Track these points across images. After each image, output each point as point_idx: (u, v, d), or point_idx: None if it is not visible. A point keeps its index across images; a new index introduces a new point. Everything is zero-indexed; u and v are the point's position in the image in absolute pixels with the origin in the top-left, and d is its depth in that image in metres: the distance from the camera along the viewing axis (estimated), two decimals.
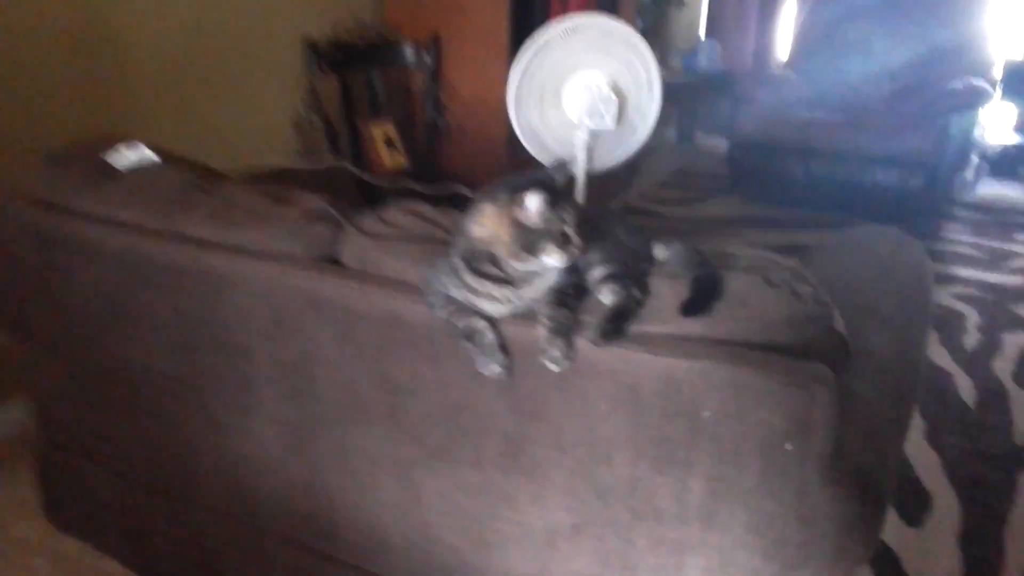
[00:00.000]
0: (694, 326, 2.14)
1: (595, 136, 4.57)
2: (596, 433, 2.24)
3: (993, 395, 5.06)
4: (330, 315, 2.56)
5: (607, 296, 2.25)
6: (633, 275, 2.29)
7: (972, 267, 6.90)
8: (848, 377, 2.29)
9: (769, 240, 7.12)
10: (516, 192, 2.13)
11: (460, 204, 2.43)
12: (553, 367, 2.18)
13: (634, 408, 2.15)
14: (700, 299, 2.16)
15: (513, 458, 2.40)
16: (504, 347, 2.29)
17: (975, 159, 9.04)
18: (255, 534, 3.05)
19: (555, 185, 2.24)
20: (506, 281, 2.22)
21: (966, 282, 6.50)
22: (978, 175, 9.45)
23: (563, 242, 2.16)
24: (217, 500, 3.20)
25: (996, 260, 7.07)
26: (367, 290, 2.49)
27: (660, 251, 2.54)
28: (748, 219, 7.84)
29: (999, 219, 8.15)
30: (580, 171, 4.94)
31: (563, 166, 2.30)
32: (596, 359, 2.16)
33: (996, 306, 6.12)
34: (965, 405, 4.85)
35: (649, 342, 2.13)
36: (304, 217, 2.73)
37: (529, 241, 2.13)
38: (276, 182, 4.06)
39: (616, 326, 2.14)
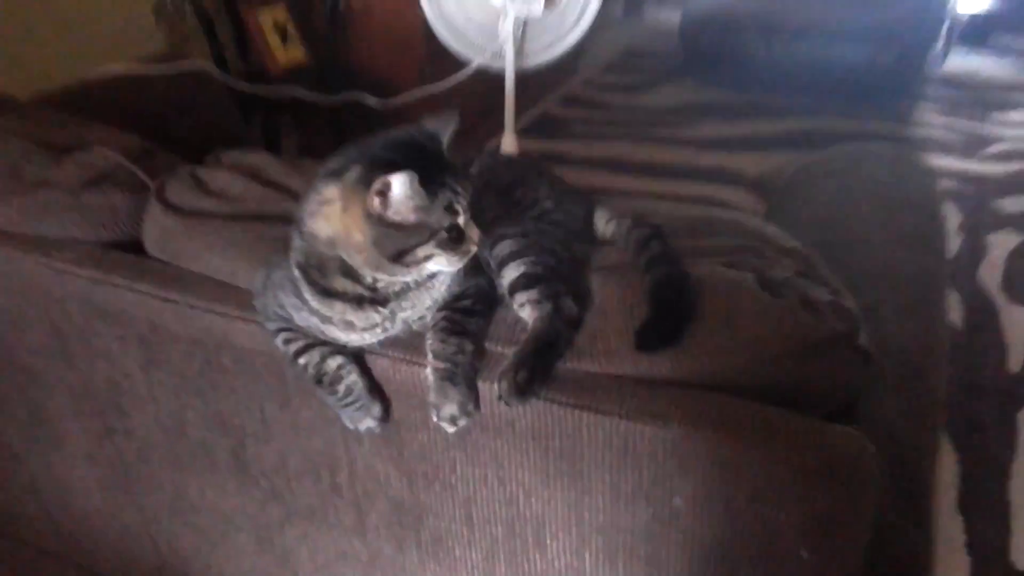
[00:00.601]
0: (658, 364, 1.40)
1: (525, 24, 3.66)
2: (519, 510, 1.53)
3: (982, 313, 4.43)
4: (132, 331, 1.76)
5: (525, 310, 1.49)
6: (564, 272, 1.53)
7: (948, 155, 6.28)
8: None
9: (728, 132, 6.33)
10: (371, 169, 1.32)
11: (356, 124, 1.57)
12: (448, 428, 1.44)
13: (572, 481, 1.45)
14: (665, 320, 1.42)
15: (409, 530, 1.70)
16: (378, 390, 1.53)
17: (945, 29, 8.24)
18: None
19: (436, 148, 1.42)
20: (369, 300, 1.44)
21: (943, 174, 5.80)
22: (948, 47, 8.67)
23: (452, 239, 1.37)
24: (48, 541, 2.48)
25: (973, 146, 6.45)
26: (174, 298, 1.68)
27: (604, 222, 1.76)
28: (704, 107, 6.99)
29: (973, 96, 7.44)
30: (508, 69, 4.05)
31: (452, 117, 1.47)
32: (513, 414, 1.42)
33: (977, 201, 5.44)
34: (953, 328, 4.23)
35: (590, 391, 1.39)
36: (86, 181, 1.87)
37: (397, 242, 1.34)
38: (108, 99, 3.11)
39: (535, 373, 1.39)
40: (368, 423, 1.53)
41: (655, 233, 1.62)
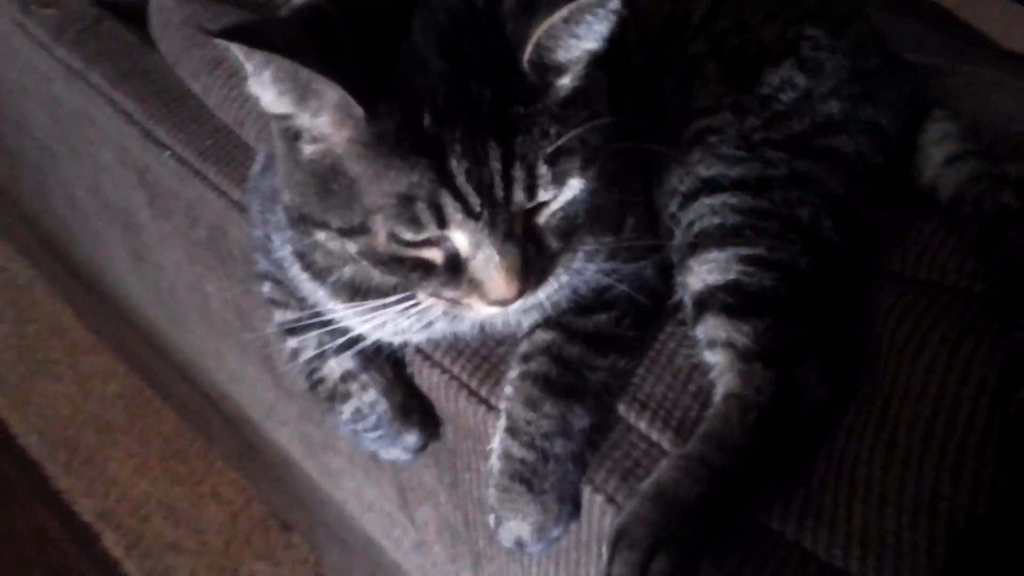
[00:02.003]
0: None
1: None
2: None
3: None
4: (127, 159, 1.16)
5: (716, 361, 0.73)
6: (818, 290, 0.72)
7: None
8: None
9: None
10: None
11: None
12: (508, 545, 0.76)
13: None
14: None
15: (465, 557, 1.11)
16: (417, 410, 0.86)
17: None
18: None
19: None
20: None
21: None
22: None
23: (417, 266, 0.64)
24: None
25: None
26: (160, 137, 1.03)
27: (938, 150, 0.86)
28: None
29: None
30: None
31: None
32: None
33: None
34: None
35: None
36: None
37: (301, 187, 0.65)
38: None
39: (689, 556, 0.65)
40: (396, 454, 0.88)
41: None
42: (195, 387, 1.91)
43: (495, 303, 0.63)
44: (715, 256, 0.74)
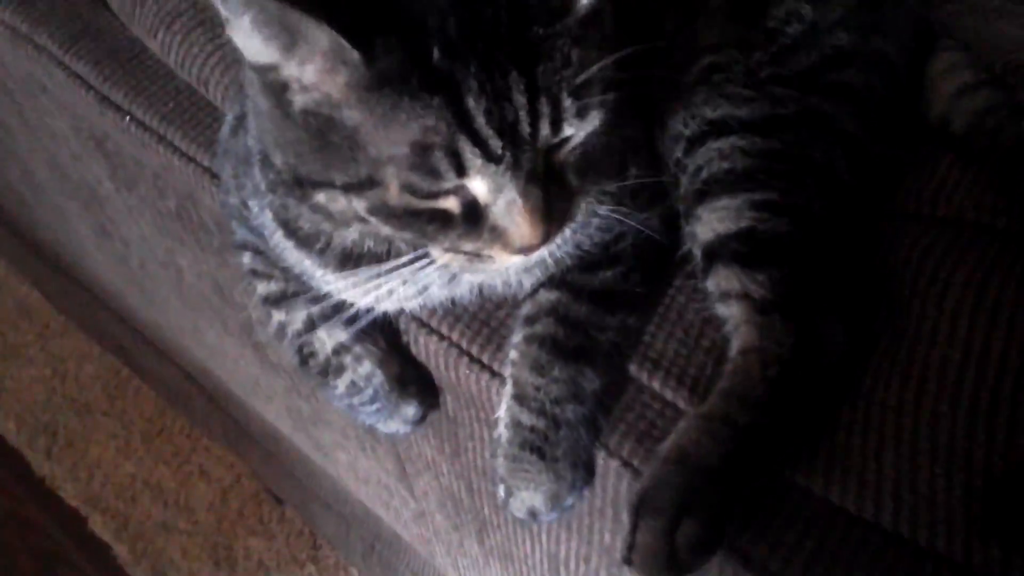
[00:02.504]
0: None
1: None
2: None
3: None
4: (84, 128, 1.09)
5: (731, 314, 0.70)
6: (834, 234, 0.69)
7: None
8: None
9: None
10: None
11: None
12: (521, 516, 0.73)
13: None
14: None
15: (469, 526, 1.08)
16: (415, 380, 0.81)
17: None
18: None
19: None
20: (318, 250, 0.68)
21: None
22: None
23: (436, 216, 0.58)
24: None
25: None
26: (118, 101, 0.96)
27: (947, 80, 0.82)
28: None
29: None
30: None
31: None
32: None
33: None
34: None
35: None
36: None
37: (297, 148, 0.59)
38: None
39: (715, 521, 0.62)
40: (394, 427, 0.83)
41: None
42: (174, 365, 1.86)
43: (520, 251, 0.58)
44: (725, 203, 0.69)
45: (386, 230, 0.60)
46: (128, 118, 0.96)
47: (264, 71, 0.56)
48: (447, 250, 0.60)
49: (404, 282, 0.66)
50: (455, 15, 0.52)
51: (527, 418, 0.68)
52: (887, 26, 0.80)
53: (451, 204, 0.57)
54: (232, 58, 0.88)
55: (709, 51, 0.74)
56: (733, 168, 0.70)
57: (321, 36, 0.51)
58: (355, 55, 0.51)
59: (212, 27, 0.90)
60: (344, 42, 0.50)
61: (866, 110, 0.76)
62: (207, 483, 2.05)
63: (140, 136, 0.95)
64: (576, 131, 0.57)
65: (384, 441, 1.05)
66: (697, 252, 0.72)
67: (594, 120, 0.58)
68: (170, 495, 2.03)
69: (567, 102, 0.55)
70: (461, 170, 0.54)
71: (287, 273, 0.76)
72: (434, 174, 0.53)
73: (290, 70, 0.54)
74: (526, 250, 0.58)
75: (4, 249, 2.36)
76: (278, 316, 0.79)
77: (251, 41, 0.52)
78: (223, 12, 0.51)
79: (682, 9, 0.77)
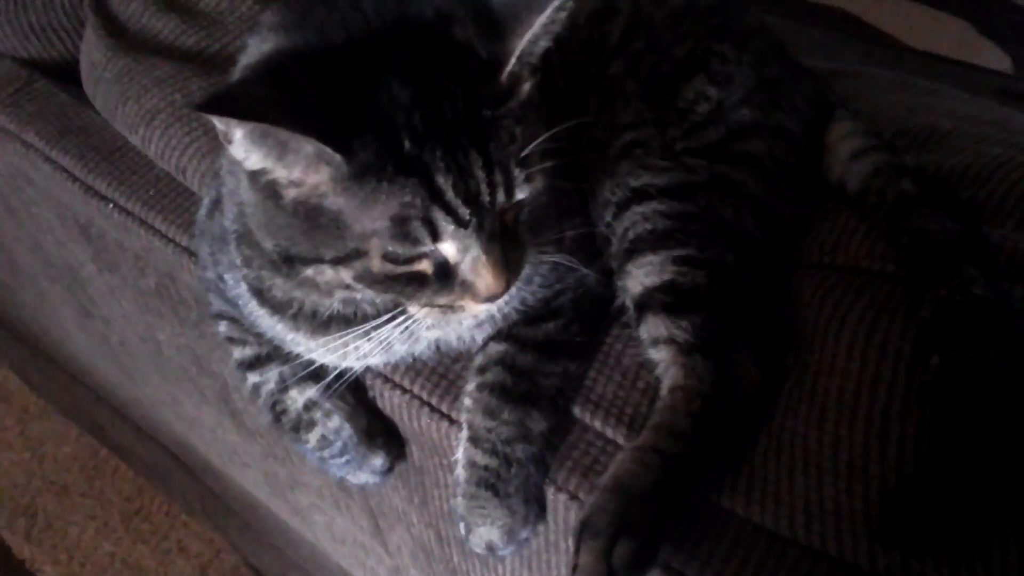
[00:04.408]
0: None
1: None
2: None
3: None
4: (68, 215, 1.17)
5: (661, 358, 0.79)
6: (748, 282, 0.78)
7: None
8: None
9: None
10: (255, 72, 0.64)
11: None
12: (480, 551, 0.80)
13: None
14: (958, 485, 0.66)
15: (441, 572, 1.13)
16: (382, 432, 0.89)
17: None
18: None
19: (447, 58, 0.64)
20: (296, 316, 0.78)
21: None
22: None
23: (411, 278, 0.68)
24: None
25: None
26: (101, 190, 1.06)
27: (844, 146, 0.93)
28: None
29: None
30: None
31: None
32: None
33: None
34: None
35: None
36: None
37: (287, 233, 0.68)
38: None
39: (649, 541, 0.70)
40: (364, 477, 0.90)
41: (936, 190, 0.80)
42: (153, 441, 1.90)
43: (487, 299, 0.67)
44: (650, 259, 0.79)
45: (368, 294, 0.69)
46: (111, 205, 1.04)
47: (259, 174, 0.65)
48: (423, 306, 0.69)
49: (371, 341, 0.74)
50: (419, 110, 0.61)
51: (481, 458, 0.76)
52: (785, 102, 0.92)
53: (425, 266, 0.66)
54: (206, 149, 0.98)
55: (629, 128, 0.85)
56: (654, 229, 0.79)
57: (306, 144, 0.60)
58: (336, 156, 0.60)
59: (188, 122, 1.00)
60: (326, 148, 0.59)
61: (770, 175, 0.87)
62: (186, 559, 2.07)
63: (123, 221, 1.04)
64: (526, 195, 0.67)
65: (357, 496, 1.11)
66: (630, 304, 0.81)
67: (537, 184, 0.68)
68: (150, 573, 2.04)
69: (516, 171, 0.65)
70: (436, 235, 0.63)
71: (260, 338, 0.84)
72: (412, 241, 0.63)
73: (281, 172, 0.64)
74: (492, 298, 0.68)
75: None
76: (252, 378, 0.87)
77: (247, 152, 0.62)
78: (221, 127, 0.61)
79: (602, 92, 0.88)
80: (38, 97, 1.16)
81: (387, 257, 0.63)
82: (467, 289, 0.66)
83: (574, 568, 0.69)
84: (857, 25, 2.91)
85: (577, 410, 0.80)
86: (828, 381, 0.73)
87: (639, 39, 0.90)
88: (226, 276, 0.83)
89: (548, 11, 0.62)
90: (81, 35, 1.16)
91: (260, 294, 0.77)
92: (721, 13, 0.97)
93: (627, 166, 0.83)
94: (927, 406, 0.69)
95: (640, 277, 0.79)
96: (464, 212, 0.62)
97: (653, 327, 0.78)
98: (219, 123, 0.59)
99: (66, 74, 1.20)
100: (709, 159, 0.84)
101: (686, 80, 0.87)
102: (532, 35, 0.63)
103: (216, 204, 0.87)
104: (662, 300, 0.77)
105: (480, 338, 0.81)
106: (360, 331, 0.71)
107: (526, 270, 0.76)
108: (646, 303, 0.79)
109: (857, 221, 0.87)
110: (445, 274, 0.66)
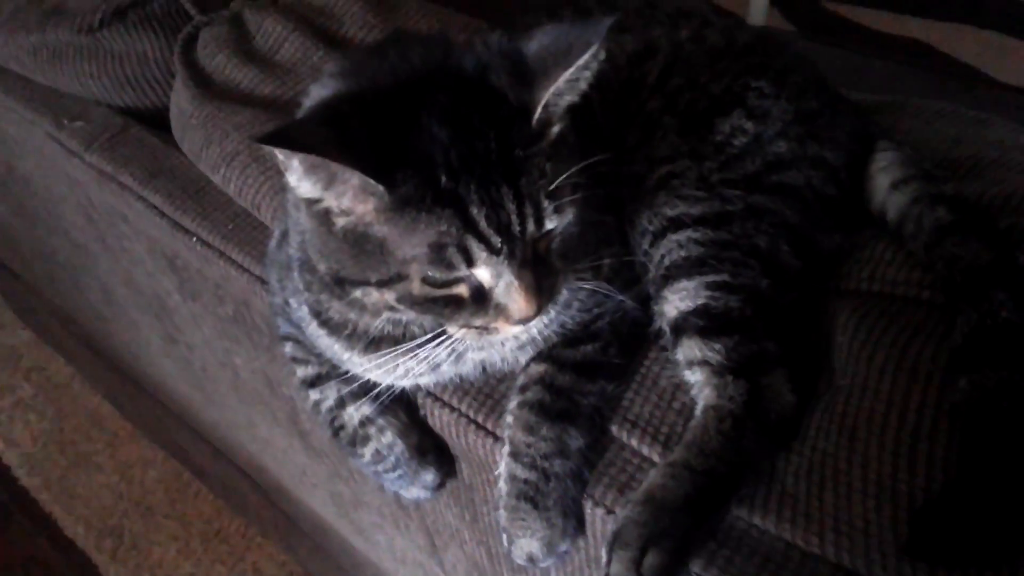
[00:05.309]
0: None
1: None
2: None
3: None
4: (157, 248, 1.28)
5: (696, 379, 0.82)
6: (782, 308, 0.81)
7: None
8: None
9: None
10: (318, 113, 0.72)
11: None
12: (521, 562, 0.84)
13: None
14: (985, 504, 0.67)
15: None
16: (434, 449, 0.95)
17: None
18: None
19: (480, 104, 0.71)
20: (350, 335, 0.85)
21: None
22: None
23: (449, 301, 0.74)
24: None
25: None
26: (187, 225, 1.15)
27: (885, 177, 0.95)
28: None
29: None
30: None
31: (588, 34, 0.70)
32: None
33: None
34: None
35: None
36: (110, 10, 1.29)
37: (337, 257, 0.76)
38: None
39: (678, 554, 0.73)
40: (416, 492, 0.96)
41: (971, 218, 0.82)
42: (230, 463, 2.00)
43: (519, 322, 0.73)
44: (684, 285, 0.83)
45: (410, 315, 0.76)
46: (195, 239, 1.14)
47: (311, 202, 0.72)
48: (461, 327, 0.75)
49: (418, 360, 0.80)
50: (455, 148, 0.68)
51: (521, 472, 0.80)
52: (824, 134, 0.94)
53: (462, 290, 0.72)
54: (278, 187, 1.07)
55: (666, 161, 0.89)
56: (689, 256, 0.83)
57: (352, 176, 0.67)
58: (380, 188, 0.67)
59: (263, 163, 1.10)
60: (370, 180, 0.66)
61: (808, 204, 0.89)
62: None
63: (204, 253, 1.13)
64: (555, 225, 0.72)
65: (414, 515, 1.17)
66: (666, 328, 0.85)
67: (568, 215, 0.73)
68: None
69: (545, 203, 0.70)
70: (470, 261, 0.69)
71: (320, 358, 0.91)
72: (448, 266, 0.69)
73: (331, 201, 0.71)
74: (524, 321, 0.73)
75: (80, 363, 2.58)
76: (314, 396, 0.94)
77: (301, 182, 0.69)
78: (281, 159, 0.68)
79: (640, 128, 0.93)
80: (132, 142, 1.28)
81: (426, 281, 0.70)
82: (501, 312, 0.72)
83: None
84: (929, 55, 2.88)
85: (615, 428, 0.84)
86: (860, 403, 0.75)
87: (678, 76, 0.95)
88: (291, 300, 0.90)
89: (572, 69, 0.69)
90: (171, 86, 1.28)
91: (319, 316, 0.85)
92: (760, 51, 1.01)
93: (663, 197, 0.87)
94: (955, 427, 0.70)
95: (675, 302, 0.83)
96: (496, 240, 0.68)
97: (688, 349, 0.81)
98: (279, 154, 0.67)
99: (157, 121, 1.31)
100: (745, 189, 0.87)
101: (723, 115, 0.91)
102: (556, 88, 0.70)
103: (284, 236, 0.95)
104: (696, 324, 0.81)
105: (523, 359, 0.86)
106: (406, 349, 0.77)
107: (564, 295, 0.81)
108: (681, 326, 0.82)
109: (895, 249, 0.88)
110: (481, 298, 0.72)
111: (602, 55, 0.69)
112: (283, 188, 1.02)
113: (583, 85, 0.71)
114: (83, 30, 1.30)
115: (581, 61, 0.68)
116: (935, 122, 1.13)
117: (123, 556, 2.27)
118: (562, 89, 0.70)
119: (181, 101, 1.18)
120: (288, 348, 0.97)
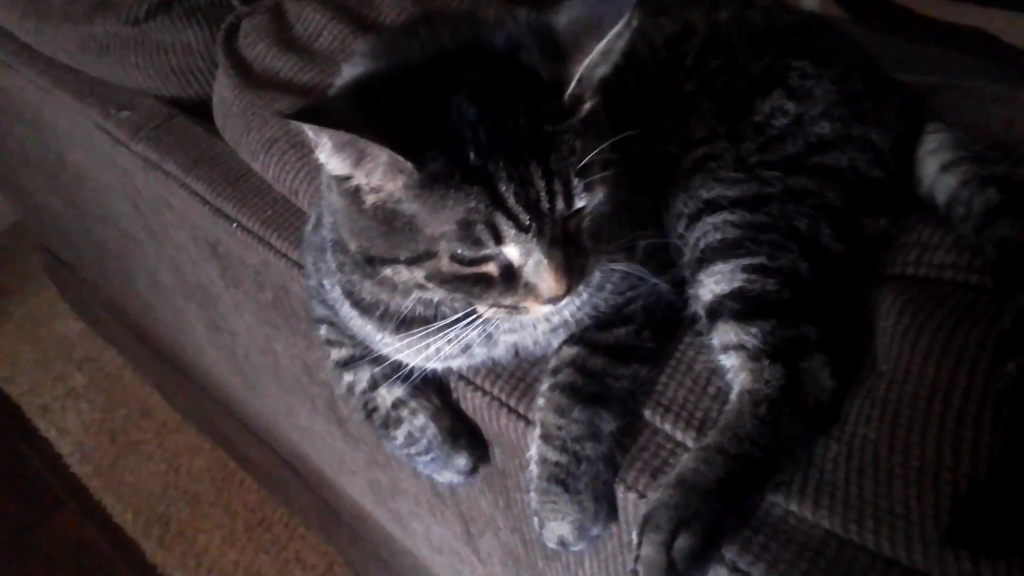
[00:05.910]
0: None
1: None
2: None
3: None
4: (200, 235, 1.30)
5: (731, 363, 0.80)
6: (821, 293, 0.79)
7: None
8: None
9: None
10: (346, 92, 0.72)
11: None
12: (552, 545, 0.83)
13: None
14: None
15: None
16: (465, 433, 0.94)
17: None
18: None
19: (506, 82, 0.70)
20: (381, 316, 0.85)
21: None
22: None
23: (478, 279, 0.73)
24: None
25: None
26: (227, 211, 1.17)
27: (934, 160, 0.91)
28: None
29: None
30: None
31: (616, 12, 0.68)
32: None
33: None
34: None
35: None
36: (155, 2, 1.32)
37: (367, 235, 0.75)
38: None
39: (710, 537, 0.71)
40: (449, 476, 0.96)
41: (1022, 199, 0.79)
42: (273, 451, 2.03)
43: (549, 301, 0.72)
44: (720, 268, 0.81)
45: (440, 294, 0.75)
46: (236, 225, 1.16)
47: (341, 180, 0.72)
48: (491, 306, 0.74)
49: (449, 341, 0.80)
50: (484, 125, 0.67)
51: (552, 454, 0.79)
52: (870, 115, 0.91)
53: (491, 268, 0.72)
54: (315, 172, 1.07)
55: (702, 143, 0.87)
56: (724, 239, 0.81)
57: (382, 153, 0.67)
58: (408, 164, 0.66)
59: (301, 149, 1.11)
60: (399, 156, 0.66)
61: (851, 187, 0.87)
62: (303, 570, 2.19)
63: (245, 239, 1.15)
64: (585, 203, 0.71)
65: (449, 502, 1.17)
66: (701, 312, 0.83)
67: (599, 194, 0.72)
68: None
69: (575, 181, 0.69)
70: (499, 239, 0.68)
71: (354, 339, 0.91)
72: (477, 244, 0.68)
73: (360, 178, 0.71)
74: (554, 300, 0.72)
75: (130, 354, 2.65)
76: (347, 377, 0.95)
77: (331, 159, 0.69)
78: (311, 136, 0.69)
79: (677, 109, 0.91)
80: (176, 131, 1.30)
81: (455, 258, 0.69)
82: (530, 291, 0.71)
83: (636, 559, 0.71)
84: (992, 45, 2.78)
85: (648, 413, 0.82)
86: (902, 388, 0.73)
87: (716, 57, 0.93)
88: (325, 282, 0.91)
89: (607, 39, 0.67)
90: (214, 76, 1.30)
91: (351, 296, 0.85)
92: (803, 31, 0.98)
93: (700, 179, 0.85)
94: (1002, 413, 0.67)
95: (711, 285, 0.81)
96: (524, 217, 0.67)
97: (723, 333, 0.80)
98: (309, 131, 0.67)
99: (202, 110, 1.34)
100: (785, 171, 0.85)
101: (762, 95, 0.89)
102: (591, 61, 0.68)
103: (319, 219, 0.95)
104: (732, 307, 0.79)
105: (555, 342, 0.85)
106: (436, 328, 0.77)
107: (597, 277, 0.80)
108: (717, 310, 0.80)
109: (943, 233, 0.85)
110: (510, 276, 0.71)
111: (635, 23, 0.68)
112: (320, 173, 1.03)
113: (616, 56, 0.70)
114: (129, 22, 1.33)
115: (614, 31, 0.67)
116: (989, 105, 1.08)
117: (170, 543, 2.32)
118: (596, 61, 0.69)
119: (222, 90, 1.20)
120: (323, 331, 0.98)
